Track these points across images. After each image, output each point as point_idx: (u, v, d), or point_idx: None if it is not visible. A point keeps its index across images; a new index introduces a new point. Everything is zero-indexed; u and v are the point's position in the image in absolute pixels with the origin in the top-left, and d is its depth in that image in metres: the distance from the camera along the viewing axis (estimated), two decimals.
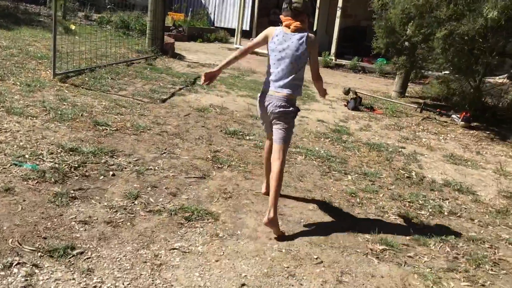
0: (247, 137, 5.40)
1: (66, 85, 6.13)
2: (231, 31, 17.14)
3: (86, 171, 3.88)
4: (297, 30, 3.52)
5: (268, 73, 3.62)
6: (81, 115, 5.08)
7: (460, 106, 7.75)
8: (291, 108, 3.54)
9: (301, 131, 5.98)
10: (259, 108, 3.68)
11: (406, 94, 9.13)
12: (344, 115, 7.29)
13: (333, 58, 12.93)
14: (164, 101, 6.31)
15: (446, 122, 7.53)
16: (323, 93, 3.99)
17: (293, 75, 3.52)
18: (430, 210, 4.15)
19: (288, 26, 3.55)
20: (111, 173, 3.91)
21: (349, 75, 11.92)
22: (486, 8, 6.01)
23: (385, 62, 12.69)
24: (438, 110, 7.59)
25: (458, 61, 6.85)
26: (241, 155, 4.83)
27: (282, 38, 3.53)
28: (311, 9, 3.79)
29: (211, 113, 6.11)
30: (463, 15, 6.68)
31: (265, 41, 3.64)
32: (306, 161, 4.98)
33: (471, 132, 7.09)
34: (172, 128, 5.24)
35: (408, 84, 9.12)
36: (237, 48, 14.12)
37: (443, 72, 7.67)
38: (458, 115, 7.39)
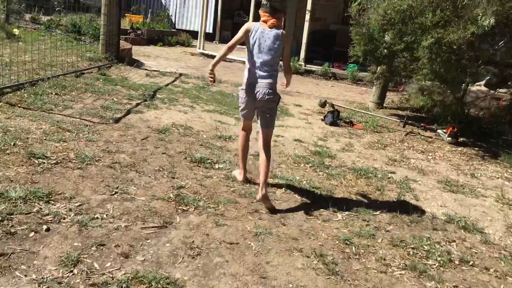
0: (216, 166, 4.59)
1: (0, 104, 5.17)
2: (194, 34, 16.25)
3: (12, 226, 3.00)
4: (273, 27, 4.01)
5: (250, 65, 4.07)
6: (14, 144, 4.15)
7: (442, 118, 7.18)
8: (276, 95, 4.15)
9: (277, 154, 5.23)
10: (245, 96, 4.15)
11: (385, 105, 8.53)
12: (322, 131, 6.58)
13: (303, 63, 12.26)
14: (117, 120, 5.42)
15: (431, 137, 6.94)
16: (288, 84, 4.39)
17: (272, 66, 4.03)
18: (439, 258, 3.46)
19: (265, 22, 4.02)
20: (44, 227, 3.05)
21: (321, 83, 11.27)
22: (480, 15, 5.42)
23: (356, 68, 12.13)
24: (422, 124, 6.99)
25: (445, 71, 6.26)
26: (210, 190, 4.03)
27: (260, 34, 3.99)
28: (287, 9, 4.57)
29: (173, 135, 5.27)
30: (450, 22, 6.09)
31: (245, 35, 4.05)
32: (287, 195, 4.22)
33: (459, 149, 6.52)
34: (126, 157, 4.37)
35: (386, 93, 8.52)
36: (201, 52, 13.27)
37: (423, 82, 7.08)
38: (444, 130, 6.81)
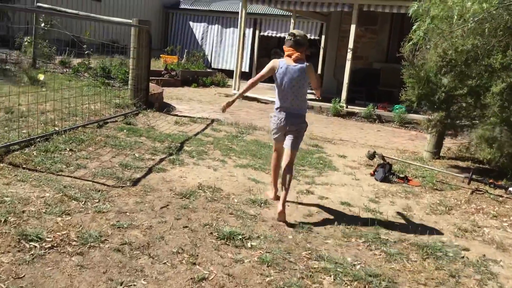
0: (249, 243, 3.75)
1: (1, 165, 4.53)
2: (230, 73, 15.74)
3: None
4: (297, 61, 4.43)
5: (279, 97, 4.55)
6: (4, 221, 3.45)
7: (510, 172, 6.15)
8: (305, 124, 4.61)
9: (321, 223, 4.34)
10: (276, 123, 4.60)
11: (441, 154, 7.53)
12: (373, 190, 5.66)
13: (344, 105, 11.42)
14: (136, 182, 4.69)
15: (501, 196, 5.90)
16: (318, 94, 4.93)
17: (301, 97, 4.50)
18: None
19: (290, 56, 4.45)
20: None
21: (365, 126, 10.36)
22: None
23: (403, 109, 11.17)
24: (491, 181, 5.96)
25: None
26: (241, 283, 3.17)
27: (286, 69, 4.42)
28: (308, 42, 4.63)
29: (199, 201, 4.48)
30: None
31: (271, 72, 4.57)
32: (337, 286, 3.31)
33: None
34: (139, 235, 3.60)
35: (443, 141, 7.53)
36: (235, 93, 12.65)
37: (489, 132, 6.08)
38: None
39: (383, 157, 6.50)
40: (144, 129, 6.92)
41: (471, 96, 5.94)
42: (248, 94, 12.85)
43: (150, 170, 5.12)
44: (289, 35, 4.50)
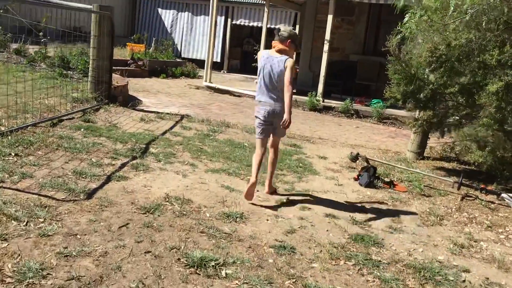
0: (223, 272, 3.18)
1: None
2: (201, 63, 15.04)
3: None
4: (280, 52, 4.58)
5: (258, 88, 4.69)
6: None
7: (506, 178, 5.77)
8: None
9: (306, 243, 3.82)
10: (263, 118, 4.65)
11: (425, 154, 7.12)
12: (357, 197, 5.17)
13: (321, 99, 10.94)
14: (91, 194, 4.06)
15: (492, 202, 5.51)
16: (288, 113, 4.46)
17: (278, 88, 4.55)
18: None
19: (274, 47, 4.61)
20: None
21: (343, 121, 9.90)
22: None
23: (381, 104, 10.78)
24: (482, 187, 5.56)
25: None
26: None
27: (270, 60, 4.57)
28: (298, 39, 4.84)
29: (165, 216, 3.89)
30: None
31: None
32: None
33: None
34: (91, 266, 2.98)
35: (427, 141, 7.11)
36: (207, 86, 12.00)
37: (481, 133, 5.67)
38: (510, 195, 5.38)
39: (366, 160, 6.02)
40: (104, 127, 6.24)
41: (462, 94, 5.50)
42: (220, 86, 12.25)
43: (109, 179, 4.47)
44: (276, 30, 4.68)
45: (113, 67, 12.21)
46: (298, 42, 4.80)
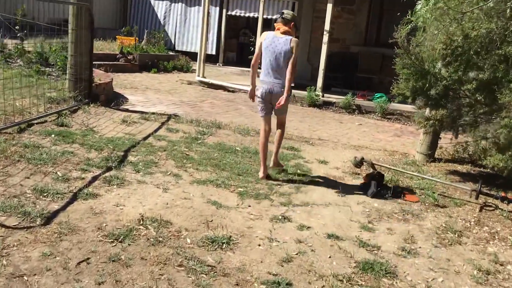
0: None
1: None
2: (194, 56, 14.31)
3: None
4: (284, 33, 4.87)
5: (263, 68, 4.94)
6: None
7: None
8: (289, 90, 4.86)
9: (304, 274, 3.20)
10: (261, 96, 4.99)
11: (436, 155, 6.48)
12: (363, 210, 4.54)
13: (320, 94, 10.28)
14: (50, 219, 3.43)
15: None
16: (287, 91, 4.84)
17: (282, 68, 4.82)
18: None
19: (278, 29, 4.91)
20: None
21: (344, 118, 9.24)
22: None
23: (384, 98, 10.13)
24: (503, 195, 4.93)
25: None
26: None
27: (272, 40, 4.86)
28: (299, 22, 5.53)
29: (137, 245, 3.26)
30: None
31: (261, 45, 4.95)
32: None
33: None
34: None
35: (438, 141, 6.47)
36: (200, 81, 11.34)
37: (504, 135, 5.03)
38: None
39: (372, 165, 5.39)
40: (79, 132, 5.60)
41: (481, 91, 4.86)
42: (213, 81, 11.60)
43: (75, 197, 3.85)
44: (278, 13, 4.99)
45: (101, 62, 11.64)
46: (298, 26, 5.28)
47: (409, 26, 4.95)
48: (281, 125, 5.19)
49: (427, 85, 5.33)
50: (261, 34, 13.61)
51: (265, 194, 4.58)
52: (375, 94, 10.65)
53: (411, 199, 4.98)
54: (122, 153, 5.07)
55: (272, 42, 4.84)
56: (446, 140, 6.61)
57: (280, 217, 4.12)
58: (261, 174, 5.01)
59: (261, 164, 5.04)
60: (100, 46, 13.34)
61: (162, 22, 18.24)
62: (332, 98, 10.42)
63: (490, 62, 4.49)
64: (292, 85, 5.14)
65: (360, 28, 11.91)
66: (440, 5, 3.96)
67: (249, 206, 4.27)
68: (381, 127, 8.61)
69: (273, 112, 5.09)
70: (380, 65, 11.38)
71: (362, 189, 5.07)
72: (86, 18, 6.88)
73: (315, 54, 11.70)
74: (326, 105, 10.14)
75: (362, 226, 4.17)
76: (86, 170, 4.44)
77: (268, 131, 5.09)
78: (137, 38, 13.85)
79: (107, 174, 4.43)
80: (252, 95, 5.17)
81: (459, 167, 6.20)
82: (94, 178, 4.28)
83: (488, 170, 6.17)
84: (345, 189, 5.03)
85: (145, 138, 5.78)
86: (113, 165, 4.68)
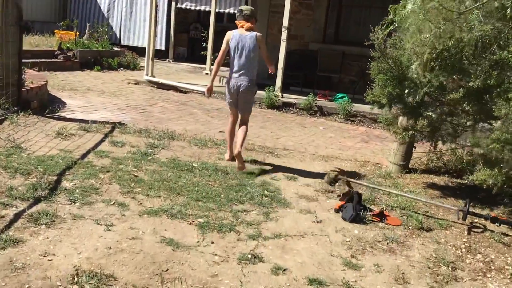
0: None
1: None
2: (143, 51, 13.28)
3: None
4: (248, 30, 5.22)
5: (232, 65, 5.32)
6: None
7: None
8: (254, 88, 5.36)
9: None
10: (230, 89, 5.36)
11: (410, 166, 5.98)
12: (344, 240, 3.92)
13: (279, 94, 9.65)
14: None
15: (505, 234, 4.43)
16: (272, 69, 5.61)
17: (251, 64, 5.24)
18: None
19: (242, 27, 5.23)
20: None
21: (307, 122, 8.65)
22: None
23: (346, 98, 9.63)
24: (493, 215, 4.45)
25: None
26: None
27: (239, 38, 5.19)
28: (256, 15, 5.57)
29: None
30: None
31: (228, 44, 5.28)
32: None
33: None
34: None
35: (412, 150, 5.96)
36: (148, 80, 10.43)
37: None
38: None
39: (347, 183, 4.80)
40: (3, 151, 4.66)
41: (468, 100, 4.35)
42: (163, 80, 10.72)
43: None
44: (237, 11, 5.31)
45: (37, 60, 10.47)
46: (257, 18, 5.53)
47: (391, 27, 4.37)
48: (243, 123, 5.44)
49: (406, 92, 4.80)
50: (213, 28, 12.92)
51: (230, 224, 3.87)
52: (337, 94, 10.14)
53: (393, 222, 4.41)
54: (55, 177, 4.21)
55: (239, 41, 5.19)
56: (419, 149, 6.13)
57: (249, 255, 3.43)
58: (226, 156, 5.50)
59: (227, 148, 5.54)
60: (37, 42, 12.16)
61: (106, 14, 17.04)
62: (292, 98, 9.82)
63: (482, 68, 3.96)
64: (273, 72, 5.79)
65: (319, 24, 11.35)
66: (434, 4, 3.38)
67: (212, 243, 3.56)
68: (346, 132, 8.07)
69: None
70: (340, 64, 10.87)
71: (339, 211, 4.46)
72: (13, 12, 5.90)
73: (272, 52, 10.97)
74: (286, 106, 9.52)
75: (345, 262, 3.55)
76: (7, 204, 3.57)
77: (234, 120, 5.52)
78: (77, 33, 12.70)
79: (34, 208, 3.58)
80: (209, 90, 5.48)
81: (436, 179, 5.72)
82: (17, 216, 3.43)
83: (467, 181, 5.74)
84: (320, 213, 4.40)
85: (84, 156, 4.91)
86: (43, 195, 3.83)
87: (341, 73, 11.01)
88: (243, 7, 5.33)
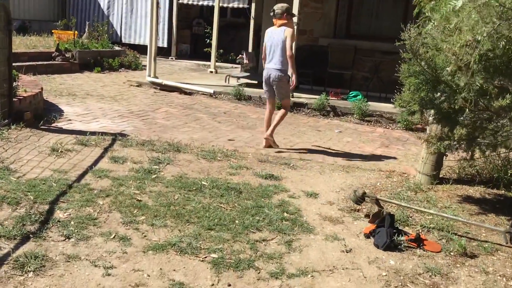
0: None
1: None
2: (144, 49, 12.69)
3: None
4: (280, 26, 5.85)
5: (265, 59, 6.02)
6: None
7: None
8: (286, 76, 5.95)
9: None
10: (264, 84, 6.06)
11: (441, 175, 5.44)
12: (379, 274, 3.40)
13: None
14: None
15: None
16: (295, 77, 6.08)
17: (280, 55, 5.80)
18: None
19: (275, 25, 5.89)
20: None
21: (321, 124, 8.10)
22: None
23: (361, 97, 9.08)
24: None
25: None
26: None
27: (270, 34, 5.92)
28: (291, 10, 6.30)
29: None
30: None
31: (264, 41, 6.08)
32: None
33: None
34: None
35: (443, 158, 5.41)
36: (151, 82, 9.90)
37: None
38: None
39: (377, 201, 4.26)
40: None
41: None
42: (167, 81, 10.17)
43: None
44: (270, 11, 5.96)
45: (34, 63, 9.96)
46: (291, 10, 6.16)
47: (429, 26, 3.81)
48: (284, 107, 6.16)
49: (442, 97, 4.25)
50: (217, 24, 12.37)
51: (248, 259, 3.35)
52: (350, 93, 9.58)
53: (433, 248, 3.88)
54: (47, 206, 3.70)
55: (270, 36, 5.91)
56: (450, 156, 5.58)
57: None
58: (264, 144, 6.09)
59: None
60: (34, 43, 11.64)
61: (106, 12, 16.49)
62: (303, 98, 9.27)
63: None
64: (293, 74, 6.02)
65: (329, 18, 10.75)
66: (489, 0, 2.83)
67: (229, 285, 3.05)
68: (364, 135, 7.52)
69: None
70: (352, 59, 10.30)
71: (370, 237, 3.94)
72: (1, 17, 5.37)
73: None
74: (297, 106, 8.96)
75: None
76: None
77: (271, 111, 6.18)
78: (76, 32, 12.15)
79: (21, 250, 3.07)
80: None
81: (471, 190, 5.17)
82: (0, 262, 2.92)
83: (503, 191, 5.20)
84: (349, 239, 3.87)
85: (81, 177, 4.39)
86: (32, 230, 3.32)
87: (353, 70, 10.44)
88: (275, 6, 5.93)
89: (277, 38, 5.78)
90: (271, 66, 5.88)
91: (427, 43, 4.13)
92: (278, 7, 5.88)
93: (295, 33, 6.25)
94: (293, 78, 6.00)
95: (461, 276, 3.50)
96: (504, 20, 2.99)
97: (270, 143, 6.00)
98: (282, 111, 6.09)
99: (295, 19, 8.85)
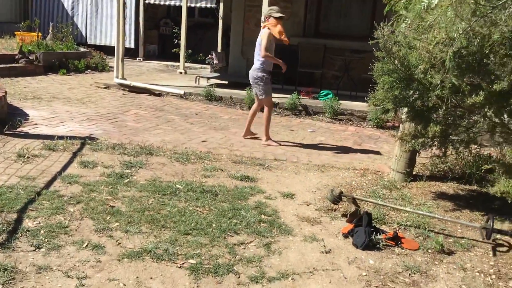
0: None
1: None
2: (111, 50, 12.44)
3: None
4: (263, 28, 6.25)
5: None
6: None
7: None
8: (260, 75, 6.21)
9: None
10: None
11: (414, 172, 5.48)
12: (359, 275, 3.37)
13: None
14: None
15: None
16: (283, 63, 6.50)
17: (257, 56, 6.20)
18: None
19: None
20: None
21: (293, 124, 8.08)
22: None
23: (331, 96, 9.11)
24: None
25: None
26: None
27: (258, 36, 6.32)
28: (274, 9, 6.36)
29: None
30: None
31: None
32: None
33: None
34: None
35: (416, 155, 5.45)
36: (119, 84, 9.68)
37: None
38: None
39: (354, 200, 4.24)
40: None
41: (490, 105, 3.85)
42: (135, 83, 9.96)
43: None
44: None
45: None
46: (276, 11, 6.23)
47: (405, 24, 3.81)
48: (265, 106, 6.40)
49: (415, 95, 4.27)
50: (186, 24, 12.21)
51: (227, 264, 3.28)
52: (321, 91, 9.61)
53: (410, 246, 3.89)
54: (15, 215, 3.53)
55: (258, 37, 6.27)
56: (422, 153, 5.63)
57: None
58: (243, 133, 6.55)
59: (246, 126, 6.57)
60: None
61: (70, 13, 16.09)
62: (274, 97, 9.20)
63: (509, 69, 3.45)
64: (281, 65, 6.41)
65: (299, 17, 10.76)
66: None
67: None
68: (336, 133, 7.54)
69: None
70: (322, 58, 10.33)
71: (348, 236, 3.91)
72: None
73: (249, 47, 10.38)
74: None
75: None
76: None
77: (256, 107, 6.54)
78: (40, 34, 11.78)
79: None
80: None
81: (444, 187, 5.23)
82: None
83: (475, 187, 5.28)
84: (328, 239, 3.84)
85: (50, 184, 4.22)
86: (0, 241, 3.15)
87: (323, 68, 10.48)
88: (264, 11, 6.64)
89: (258, 40, 6.20)
90: (252, 67, 6.28)
91: (399, 41, 4.15)
92: (264, 12, 6.53)
93: (272, 33, 6.17)
94: (281, 65, 6.41)
95: (440, 274, 3.52)
96: (479, 17, 3.02)
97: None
98: (264, 110, 6.35)
99: (263, 17, 8.88)
